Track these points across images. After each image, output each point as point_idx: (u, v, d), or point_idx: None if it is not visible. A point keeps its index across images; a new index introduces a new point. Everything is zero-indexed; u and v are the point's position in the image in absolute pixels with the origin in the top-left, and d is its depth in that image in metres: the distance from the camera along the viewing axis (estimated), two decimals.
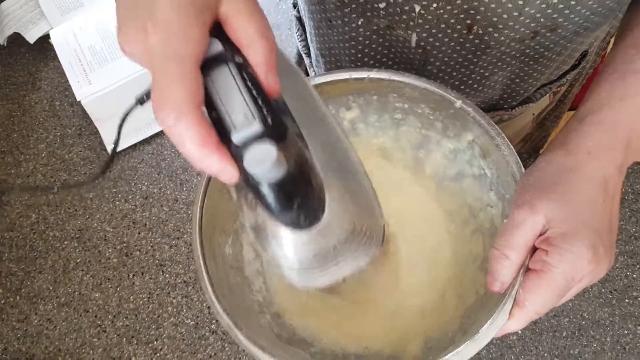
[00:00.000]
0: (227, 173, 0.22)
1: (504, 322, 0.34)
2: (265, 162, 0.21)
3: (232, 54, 0.22)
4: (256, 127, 0.21)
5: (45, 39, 0.75)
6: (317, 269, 0.28)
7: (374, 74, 0.42)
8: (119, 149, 0.70)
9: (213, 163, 0.22)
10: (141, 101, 0.25)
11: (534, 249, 0.34)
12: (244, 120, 0.21)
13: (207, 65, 0.22)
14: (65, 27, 0.74)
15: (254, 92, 0.22)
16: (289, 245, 0.26)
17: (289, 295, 0.47)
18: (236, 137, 0.22)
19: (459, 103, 0.41)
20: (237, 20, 0.24)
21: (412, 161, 0.49)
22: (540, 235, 0.34)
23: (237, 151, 0.22)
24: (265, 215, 0.24)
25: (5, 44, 0.75)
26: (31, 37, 0.74)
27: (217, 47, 0.22)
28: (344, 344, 0.45)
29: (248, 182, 0.23)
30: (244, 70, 0.22)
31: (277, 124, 0.22)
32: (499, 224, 0.44)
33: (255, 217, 0.26)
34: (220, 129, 0.22)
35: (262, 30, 0.23)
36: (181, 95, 0.22)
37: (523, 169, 0.39)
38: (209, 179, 0.39)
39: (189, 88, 0.22)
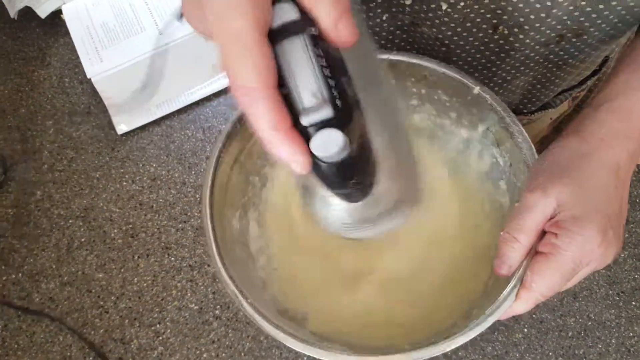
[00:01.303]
0: (297, 163, 0.22)
1: (510, 304, 0.35)
2: (332, 147, 0.21)
3: (306, 23, 0.22)
4: (326, 112, 0.21)
5: (57, 14, 0.74)
6: (357, 227, 0.29)
7: (393, 56, 0.42)
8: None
9: (284, 152, 0.22)
10: (178, 16, 0.25)
11: (543, 233, 0.35)
12: (313, 101, 0.21)
13: (281, 34, 0.21)
14: (78, 2, 0.73)
15: (326, 70, 0.21)
16: (335, 210, 0.27)
17: (291, 279, 0.47)
18: (305, 120, 0.21)
19: (477, 89, 0.42)
20: None
21: (424, 149, 0.49)
22: (551, 219, 0.34)
23: (303, 129, 0.22)
24: (317, 182, 0.25)
25: (16, 18, 0.74)
26: (43, 11, 0.73)
27: (291, 14, 0.21)
28: (343, 331, 0.45)
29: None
30: (317, 42, 0.22)
31: (346, 107, 0.21)
32: (506, 213, 0.44)
33: (306, 179, 0.26)
34: (289, 105, 0.22)
35: None
36: (249, 77, 0.21)
37: (536, 156, 0.39)
38: (221, 148, 0.39)
39: (255, 68, 0.21)
